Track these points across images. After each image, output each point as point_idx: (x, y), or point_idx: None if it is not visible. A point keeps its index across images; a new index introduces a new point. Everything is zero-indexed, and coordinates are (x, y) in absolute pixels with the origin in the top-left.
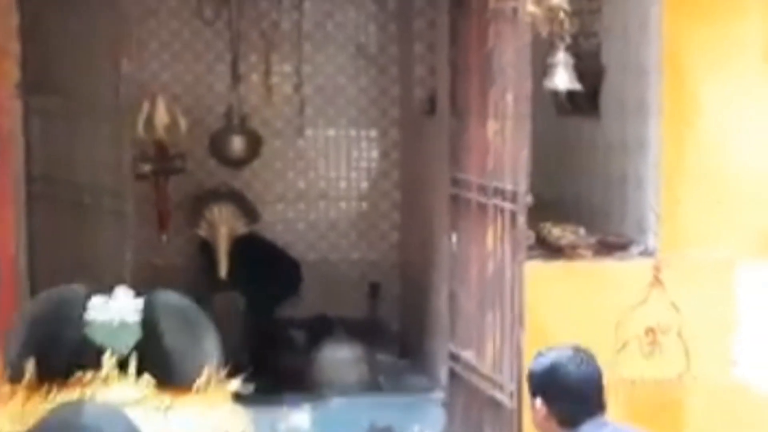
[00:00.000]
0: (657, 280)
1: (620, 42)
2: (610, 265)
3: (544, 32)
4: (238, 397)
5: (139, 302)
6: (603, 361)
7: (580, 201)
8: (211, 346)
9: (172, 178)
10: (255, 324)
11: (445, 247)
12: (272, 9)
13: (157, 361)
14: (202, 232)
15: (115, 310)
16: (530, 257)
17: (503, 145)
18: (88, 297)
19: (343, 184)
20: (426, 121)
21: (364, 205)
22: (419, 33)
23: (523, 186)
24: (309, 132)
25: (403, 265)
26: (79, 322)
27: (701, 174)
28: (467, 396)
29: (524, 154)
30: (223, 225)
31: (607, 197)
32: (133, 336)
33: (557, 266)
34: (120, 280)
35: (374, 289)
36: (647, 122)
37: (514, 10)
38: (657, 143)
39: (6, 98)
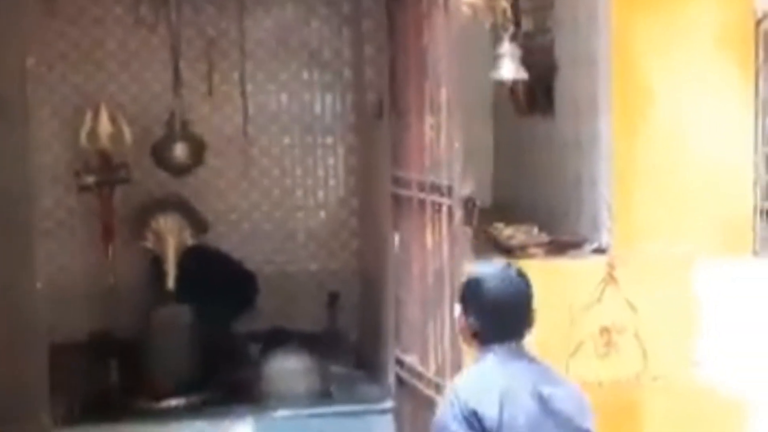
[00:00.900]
0: (611, 278)
1: (571, 36)
2: (561, 263)
3: (487, 24)
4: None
5: None
6: (556, 363)
7: (538, 202)
8: None
9: (118, 189)
10: (206, 337)
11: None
12: (216, 13)
13: None
14: (149, 243)
15: None
16: (478, 258)
17: (438, 140)
18: None
19: (299, 193)
20: (377, 124)
21: (322, 214)
22: (368, 35)
23: (457, 180)
24: (264, 140)
25: (362, 272)
26: None
27: (655, 167)
28: (414, 402)
29: (457, 148)
30: (170, 236)
31: (563, 197)
32: None
33: None
34: None
35: (333, 299)
36: (598, 117)
37: (446, 1)
38: (608, 138)
39: None
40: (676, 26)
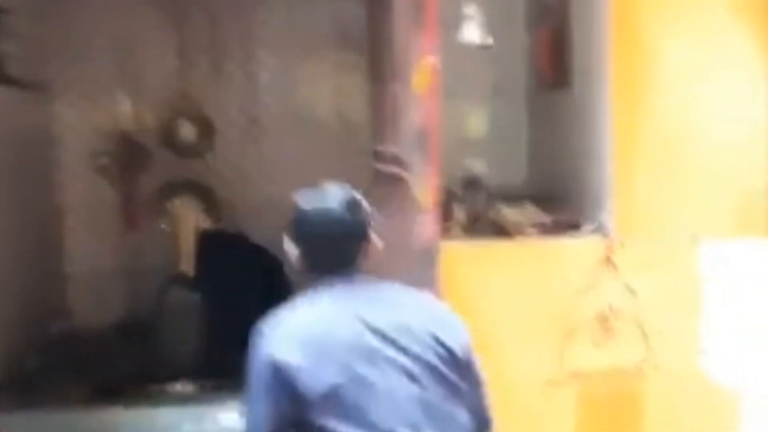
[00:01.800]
0: (609, 261)
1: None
2: (555, 244)
3: None
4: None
5: None
6: (550, 352)
7: (553, 181)
8: None
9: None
10: (220, 322)
11: None
12: None
13: None
14: (166, 226)
15: None
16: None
17: (398, 109)
18: None
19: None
20: None
21: None
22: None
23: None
24: (280, 124)
25: None
26: None
27: (660, 143)
28: None
29: (413, 118)
30: (185, 218)
31: (573, 175)
32: None
33: (490, 246)
34: None
35: None
36: (599, 88)
37: None
38: (609, 112)
39: None
40: None
